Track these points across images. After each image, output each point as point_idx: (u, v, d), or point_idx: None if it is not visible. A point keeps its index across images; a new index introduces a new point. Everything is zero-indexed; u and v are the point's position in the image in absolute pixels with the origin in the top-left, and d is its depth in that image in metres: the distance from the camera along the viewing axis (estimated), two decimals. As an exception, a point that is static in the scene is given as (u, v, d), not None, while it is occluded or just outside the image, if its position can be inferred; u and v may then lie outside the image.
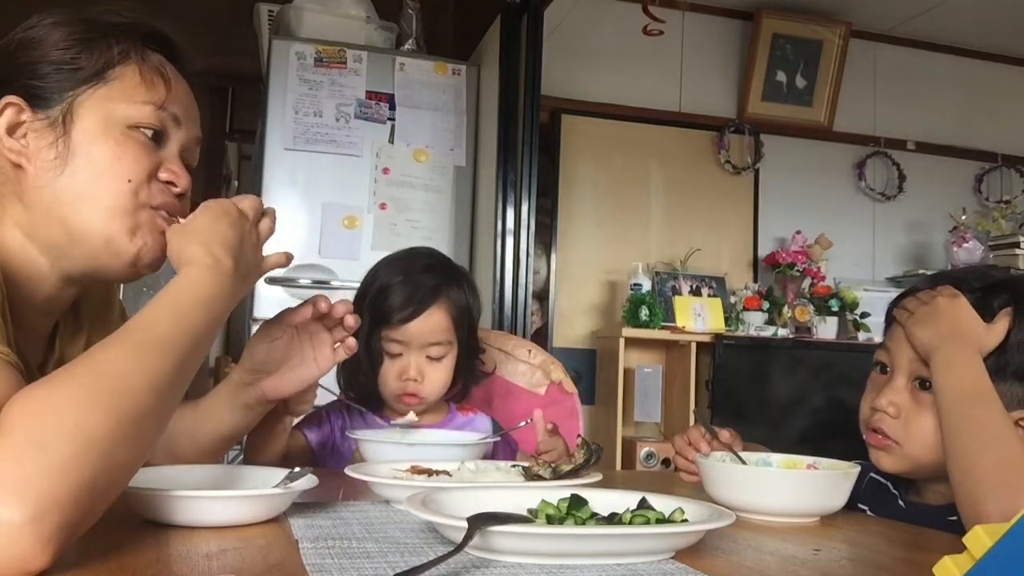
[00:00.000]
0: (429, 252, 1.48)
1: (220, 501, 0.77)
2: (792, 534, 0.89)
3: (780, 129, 3.98)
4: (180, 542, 0.71)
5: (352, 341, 1.10)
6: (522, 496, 0.81)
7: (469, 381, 1.44)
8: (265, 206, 0.99)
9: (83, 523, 0.63)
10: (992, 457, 0.92)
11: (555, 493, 0.81)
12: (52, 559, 0.60)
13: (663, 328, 3.39)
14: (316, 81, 3.03)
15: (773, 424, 3.39)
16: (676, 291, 3.55)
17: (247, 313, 2.98)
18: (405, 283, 1.35)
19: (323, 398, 1.29)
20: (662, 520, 0.76)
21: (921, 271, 3.82)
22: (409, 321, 1.33)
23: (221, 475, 0.92)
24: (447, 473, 1.01)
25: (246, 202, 0.95)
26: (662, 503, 0.80)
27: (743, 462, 1.07)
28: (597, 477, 1.01)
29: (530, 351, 1.65)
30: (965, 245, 3.76)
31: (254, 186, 3.39)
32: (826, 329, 3.57)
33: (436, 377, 1.36)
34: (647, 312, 3.36)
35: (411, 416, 1.32)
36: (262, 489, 0.83)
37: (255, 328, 2.88)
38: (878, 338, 1.19)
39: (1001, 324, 1.02)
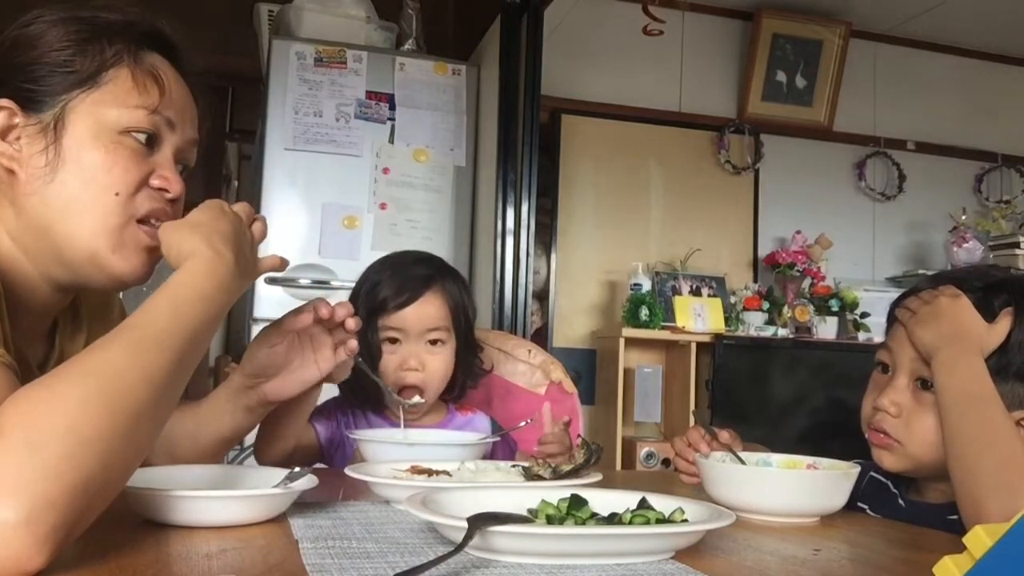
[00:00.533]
0: (420, 252, 1.49)
1: (220, 501, 0.77)
2: (792, 534, 0.89)
3: (780, 129, 3.98)
4: (180, 542, 0.71)
5: (353, 343, 1.10)
6: (522, 496, 0.81)
7: (468, 379, 1.44)
8: (260, 216, 0.98)
9: (79, 523, 0.63)
10: (993, 457, 0.92)
11: (555, 493, 0.81)
12: (48, 559, 0.60)
13: (663, 328, 3.39)
14: (316, 81, 3.03)
15: (773, 424, 3.39)
16: (676, 291, 3.55)
17: (247, 313, 2.98)
18: (396, 275, 1.35)
19: (329, 391, 1.29)
20: (662, 520, 0.76)
21: (921, 271, 3.82)
22: (405, 307, 1.33)
23: (221, 475, 0.92)
24: (447, 473, 1.01)
25: (237, 206, 0.94)
26: (662, 503, 0.80)
27: (743, 462, 1.07)
28: (597, 477, 1.01)
29: (530, 351, 1.65)
30: (965, 245, 3.76)
31: (254, 186, 3.39)
32: (826, 329, 3.57)
33: (436, 367, 1.35)
34: (647, 312, 3.36)
35: (416, 399, 1.32)
36: (262, 489, 0.83)
37: (255, 328, 2.90)
38: (878, 338, 1.19)
39: (1002, 324, 1.02)
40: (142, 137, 0.87)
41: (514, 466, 1.05)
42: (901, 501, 1.13)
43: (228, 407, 1.08)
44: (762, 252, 3.86)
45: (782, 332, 3.51)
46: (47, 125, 0.84)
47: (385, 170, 3.06)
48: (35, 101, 0.85)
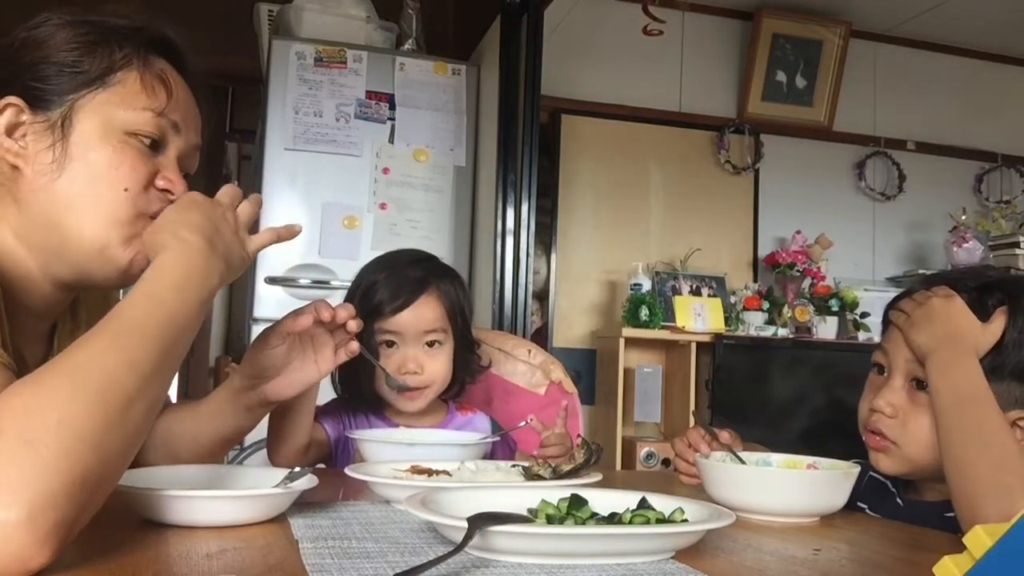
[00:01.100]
0: (415, 250, 1.48)
1: (220, 501, 0.77)
2: (792, 534, 0.89)
3: (780, 129, 3.98)
4: (180, 542, 0.71)
5: (355, 344, 1.09)
6: (522, 496, 0.81)
7: (466, 377, 1.43)
8: (252, 196, 0.96)
9: (80, 518, 0.63)
10: (989, 459, 0.92)
11: (555, 493, 0.81)
12: (51, 556, 0.60)
13: (663, 328, 3.39)
14: (316, 81, 3.03)
15: (773, 424, 3.39)
16: (676, 291, 3.55)
17: (247, 313, 2.98)
18: (392, 276, 1.35)
19: (327, 392, 1.29)
20: (662, 520, 0.77)
21: (921, 271, 3.82)
22: (401, 310, 1.32)
23: (221, 475, 0.92)
24: (447, 473, 1.01)
25: (221, 191, 0.93)
26: (662, 503, 0.80)
27: (743, 462, 1.07)
28: (597, 477, 1.01)
29: (530, 351, 1.65)
30: (965, 245, 3.76)
31: (254, 186, 3.39)
32: (826, 329, 3.57)
33: (435, 369, 1.35)
34: (647, 312, 3.36)
35: (411, 382, 1.32)
36: (262, 489, 0.83)
37: (255, 328, 2.91)
38: (878, 338, 1.19)
39: (997, 324, 1.02)
40: (148, 139, 0.88)
41: (514, 466, 1.05)
42: (899, 500, 1.14)
43: (228, 407, 1.08)
44: (762, 252, 3.86)
45: (782, 332, 3.51)
46: (55, 123, 0.85)
47: (385, 170, 3.06)
48: (42, 100, 0.85)
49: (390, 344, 1.34)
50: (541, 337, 3.47)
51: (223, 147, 5.53)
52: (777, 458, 1.10)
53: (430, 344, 1.35)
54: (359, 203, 3.02)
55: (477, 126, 3.20)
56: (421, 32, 3.31)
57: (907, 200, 4.12)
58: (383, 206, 3.05)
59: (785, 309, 3.55)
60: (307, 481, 0.84)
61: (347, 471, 0.94)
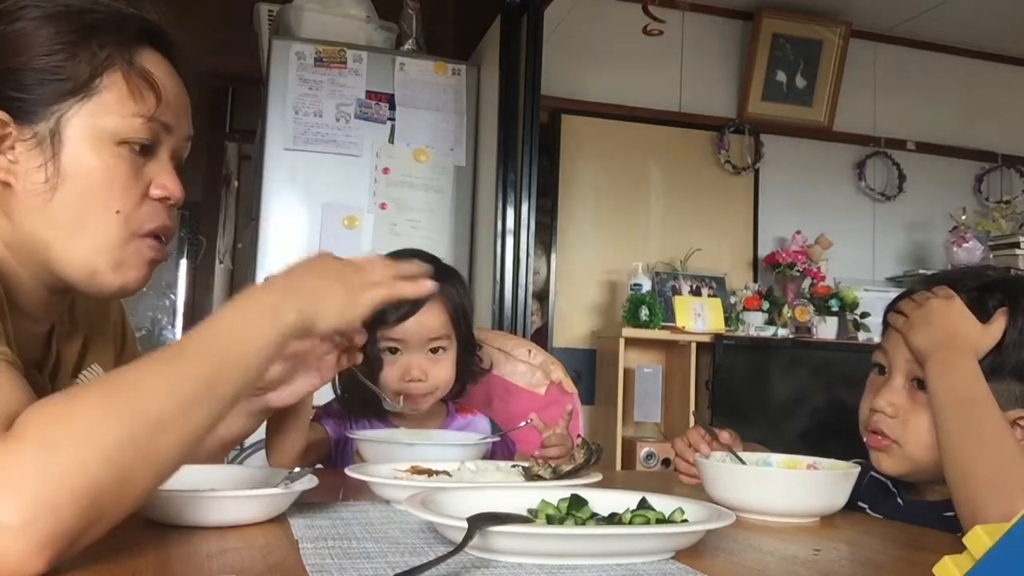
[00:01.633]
0: (415, 252, 1.47)
1: (220, 501, 0.77)
2: (792, 534, 0.89)
3: (780, 129, 3.98)
4: (180, 542, 0.71)
5: (359, 355, 1.09)
6: (522, 496, 0.81)
7: (467, 379, 1.43)
8: (400, 277, 0.95)
9: (84, 534, 0.61)
10: (989, 459, 0.93)
11: (555, 493, 0.81)
12: (46, 567, 0.59)
13: (663, 328, 3.39)
14: (316, 81, 3.03)
15: (773, 424, 3.39)
16: (676, 291, 3.55)
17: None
18: None
19: (326, 392, 1.29)
20: (662, 520, 0.77)
21: (921, 271, 3.82)
22: (406, 319, 1.32)
23: (221, 475, 0.92)
24: (447, 473, 1.01)
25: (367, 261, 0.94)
26: (662, 503, 0.80)
27: (743, 462, 1.07)
28: (597, 477, 1.01)
29: (530, 351, 1.65)
30: (965, 245, 3.76)
31: (254, 186, 3.39)
32: (826, 329, 3.57)
33: (439, 374, 1.35)
34: (647, 312, 3.35)
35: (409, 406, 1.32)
36: (262, 489, 0.83)
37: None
38: (878, 338, 1.20)
39: (997, 324, 1.02)
40: (138, 146, 0.85)
41: (514, 466, 1.05)
42: (900, 500, 1.14)
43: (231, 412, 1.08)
44: (762, 252, 3.86)
45: (782, 332, 3.51)
46: (43, 138, 0.81)
47: (385, 170, 3.06)
48: (26, 111, 0.81)
49: (393, 351, 1.34)
50: (541, 337, 3.47)
51: (223, 147, 5.54)
52: (777, 458, 1.10)
53: (434, 350, 1.34)
54: (359, 203, 3.02)
55: (477, 126, 3.20)
56: (421, 32, 3.31)
57: (907, 200, 4.11)
58: (383, 206, 3.05)
59: (785, 309, 3.55)
60: (307, 481, 0.84)
61: (347, 471, 0.94)
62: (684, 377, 3.39)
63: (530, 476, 0.99)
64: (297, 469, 0.89)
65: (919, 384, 1.07)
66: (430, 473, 1.00)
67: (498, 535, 0.66)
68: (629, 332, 3.35)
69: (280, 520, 0.80)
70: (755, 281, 3.74)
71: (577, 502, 0.79)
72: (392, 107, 3.09)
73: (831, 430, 3.17)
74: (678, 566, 0.69)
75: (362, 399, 1.36)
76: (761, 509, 0.96)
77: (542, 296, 3.60)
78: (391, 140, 3.08)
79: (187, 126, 0.91)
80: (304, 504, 0.86)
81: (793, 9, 3.89)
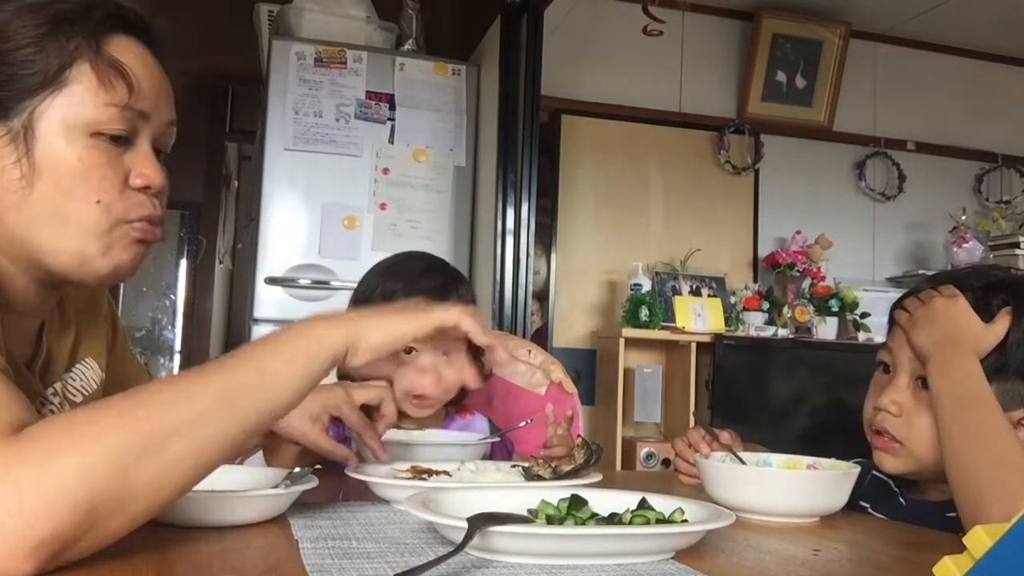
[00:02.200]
0: (422, 255, 1.47)
1: (220, 501, 0.77)
2: (792, 534, 0.89)
3: (780, 129, 3.98)
4: (180, 542, 0.71)
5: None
6: (522, 496, 0.81)
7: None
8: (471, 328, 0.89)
9: (80, 541, 0.60)
10: (989, 458, 0.93)
11: (555, 493, 0.81)
12: (36, 569, 0.58)
13: (663, 328, 3.39)
14: (316, 81, 3.03)
15: (773, 424, 3.39)
16: (676, 291, 3.55)
17: (248, 313, 2.98)
18: (411, 286, 1.33)
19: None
20: (662, 520, 0.77)
21: (921, 271, 3.82)
22: None
23: (221, 475, 0.92)
24: (447, 473, 1.01)
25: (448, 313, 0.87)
26: (662, 503, 0.80)
27: (743, 463, 1.07)
28: (597, 477, 1.01)
29: (530, 351, 1.65)
30: (965, 245, 3.76)
31: (254, 186, 3.39)
32: (826, 329, 3.57)
33: (451, 378, 1.34)
34: (647, 312, 3.36)
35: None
36: (262, 489, 0.83)
37: (256, 328, 2.90)
38: (878, 338, 1.20)
39: (1000, 324, 1.02)
40: (114, 136, 0.83)
41: (514, 466, 1.05)
42: (902, 500, 1.14)
43: None
44: (762, 252, 3.86)
45: (782, 332, 3.51)
46: (17, 134, 0.80)
47: (385, 170, 3.06)
48: (1, 108, 0.80)
49: (408, 351, 1.33)
50: (541, 337, 3.47)
51: (223, 147, 5.54)
52: (777, 458, 1.10)
53: (446, 352, 1.34)
54: (359, 203, 3.02)
55: (477, 126, 3.20)
56: (421, 32, 3.31)
57: (907, 200, 4.11)
58: (383, 206, 3.05)
59: (785, 309, 3.55)
60: (307, 481, 0.84)
61: (347, 471, 0.94)
62: (684, 377, 3.39)
63: (530, 476, 0.99)
64: (297, 469, 0.89)
65: (923, 383, 1.06)
66: (430, 473, 1.00)
67: (498, 535, 0.66)
68: (629, 332, 3.35)
69: (280, 520, 0.80)
70: (755, 281, 3.74)
71: (577, 502, 0.79)
72: (392, 107, 3.09)
73: (831, 430, 3.17)
74: (678, 566, 0.68)
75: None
76: (761, 509, 0.96)
77: (542, 296, 3.60)
78: (391, 140, 3.08)
79: (167, 111, 0.89)
80: (304, 504, 0.86)
81: (793, 9, 3.89)
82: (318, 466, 1.33)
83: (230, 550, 0.69)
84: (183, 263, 6.25)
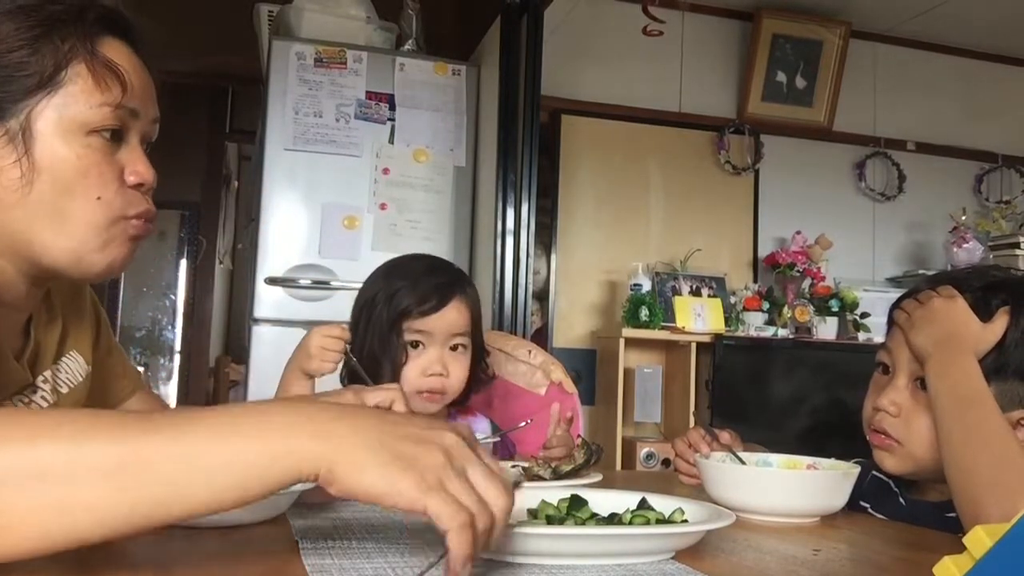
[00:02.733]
0: (426, 255, 1.48)
1: (220, 501, 0.77)
2: (792, 534, 0.89)
3: (780, 129, 3.98)
4: (180, 542, 0.71)
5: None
6: (522, 496, 0.81)
7: (474, 387, 1.43)
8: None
9: None
10: (988, 458, 0.93)
11: (555, 493, 0.81)
12: None
13: (663, 328, 3.39)
14: (316, 81, 3.03)
15: (773, 424, 3.39)
16: (676, 291, 3.55)
17: (247, 313, 2.98)
18: (418, 283, 1.33)
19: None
20: (662, 520, 0.77)
21: (921, 271, 3.82)
22: (433, 312, 1.31)
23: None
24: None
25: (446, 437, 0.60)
26: (662, 503, 0.80)
27: (743, 463, 1.07)
28: (597, 477, 1.02)
29: (530, 351, 1.65)
30: (965, 245, 3.76)
31: (254, 186, 3.39)
32: (826, 329, 3.57)
33: (458, 374, 1.35)
34: (647, 312, 3.36)
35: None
36: (262, 489, 0.83)
37: (256, 328, 2.90)
38: (878, 338, 1.20)
39: (998, 323, 1.02)
40: (108, 134, 0.86)
41: (514, 466, 1.05)
42: (902, 500, 1.14)
43: None
44: (762, 252, 3.86)
45: (782, 332, 3.51)
46: (15, 134, 0.82)
47: (385, 170, 3.06)
48: None
49: (415, 345, 1.33)
50: (541, 337, 3.47)
51: (223, 147, 5.54)
52: (777, 458, 1.10)
53: (454, 348, 1.35)
54: (359, 203, 3.02)
55: (477, 126, 3.20)
56: (421, 32, 3.31)
57: (907, 200, 4.11)
58: (383, 206, 3.05)
59: (785, 309, 3.55)
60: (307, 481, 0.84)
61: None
62: (684, 377, 3.39)
63: (530, 476, 0.99)
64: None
65: (922, 384, 1.07)
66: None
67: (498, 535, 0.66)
68: (629, 332, 3.35)
69: (280, 520, 0.80)
70: (755, 281, 3.74)
71: (577, 502, 0.79)
72: (392, 107, 3.09)
73: (831, 430, 3.17)
74: (678, 566, 0.69)
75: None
76: (761, 509, 0.96)
77: (542, 296, 3.60)
78: (391, 140, 3.08)
79: (153, 109, 0.92)
80: (304, 504, 0.86)
81: (793, 9, 3.89)
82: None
83: (230, 550, 0.69)
84: (183, 263, 6.25)
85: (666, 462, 3.21)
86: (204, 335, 5.62)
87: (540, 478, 0.98)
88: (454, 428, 0.61)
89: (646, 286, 3.45)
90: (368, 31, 3.23)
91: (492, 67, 3.11)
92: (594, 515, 0.78)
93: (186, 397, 5.66)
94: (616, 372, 3.35)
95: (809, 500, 0.98)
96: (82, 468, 0.52)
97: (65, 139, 0.84)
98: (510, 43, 3.02)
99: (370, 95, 3.08)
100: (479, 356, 1.41)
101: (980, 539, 0.45)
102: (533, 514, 0.78)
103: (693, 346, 3.38)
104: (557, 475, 0.99)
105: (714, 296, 3.60)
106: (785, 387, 3.47)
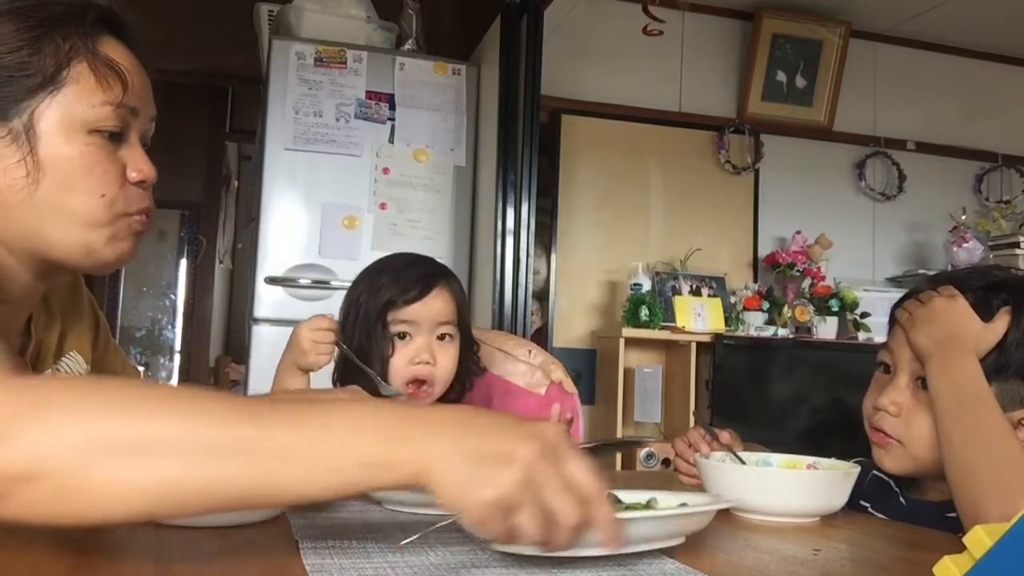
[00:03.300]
0: (406, 253, 1.48)
1: (220, 501, 0.77)
2: (792, 534, 0.89)
3: (780, 129, 3.98)
4: (180, 542, 0.71)
5: None
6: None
7: (466, 379, 1.43)
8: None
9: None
10: (989, 458, 0.93)
11: None
12: None
13: (663, 328, 3.39)
14: (316, 81, 3.03)
15: (773, 424, 3.39)
16: (676, 291, 3.55)
17: (247, 313, 2.98)
18: (400, 275, 1.34)
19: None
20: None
21: (921, 271, 3.82)
22: (416, 301, 1.32)
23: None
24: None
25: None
26: (667, 499, 0.80)
27: (743, 462, 1.07)
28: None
29: (530, 351, 1.65)
30: (965, 245, 3.76)
31: (254, 186, 3.39)
32: (826, 329, 3.57)
33: (446, 363, 1.35)
34: (647, 312, 3.36)
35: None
36: (262, 489, 0.82)
37: (255, 328, 2.90)
38: (878, 338, 1.20)
39: (999, 323, 1.02)
40: (110, 132, 0.87)
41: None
42: (902, 499, 1.14)
43: None
44: (762, 252, 3.86)
45: (782, 332, 3.51)
46: (18, 133, 0.83)
47: (385, 170, 3.06)
48: None
49: (402, 336, 1.34)
50: (541, 337, 3.47)
51: (223, 147, 5.54)
52: (777, 458, 1.10)
53: (441, 337, 1.35)
54: (359, 203, 3.02)
55: (477, 126, 3.20)
56: (421, 32, 3.31)
57: (907, 200, 4.11)
58: (383, 206, 3.05)
59: (785, 309, 3.55)
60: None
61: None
62: (684, 377, 3.39)
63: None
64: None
65: (923, 384, 1.07)
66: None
67: None
68: (629, 332, 3.35)
69: (280, 520, 0.80)
70: (755, 281, 3.74)
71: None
72: (392, 107, 3.09)
73: (831, 430, 3.17)
74: (678, 566, 0.69)
75: (359, 386, 1.36)
76: (761, 509, 0.96)
77: (542, 296, 3.60)
78: (391, 140, 3.08)
79: (151, 107, 0.94)
80: (304, 504, 0.86)
81: (793, 9, 3.89)
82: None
83: (230, 550, 0.69)
84: (183, 263, 6.25)
85: (666, 462, 3.21)
86: (204, 335, 5.62)
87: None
88: (548, 424, 0.61)
89: (646, 286, 3.45)
90: (368, 31, 3.23)
91: (492, 67, 3.11)
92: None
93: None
94: (616, 372, 3.35)
95: (809, 500, 0.98)
96: (196, 446, 0.55)
97: (68, 138, 0.85)
98: (510, 43, 3.02)
99: (370, 95, 3.08)
100: (468, 348, 1.41)
101: (980, 539, 0.45)
102: None
103: (693, 346, 3.37)
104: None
105: (714, 296, 3.60)
106: (785, 387, 3.47)
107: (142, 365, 6.17)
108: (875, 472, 1.17)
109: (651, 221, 3.80)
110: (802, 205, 3.97)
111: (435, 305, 1.33)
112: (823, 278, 3.67)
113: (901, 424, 1.08)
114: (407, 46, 3.26)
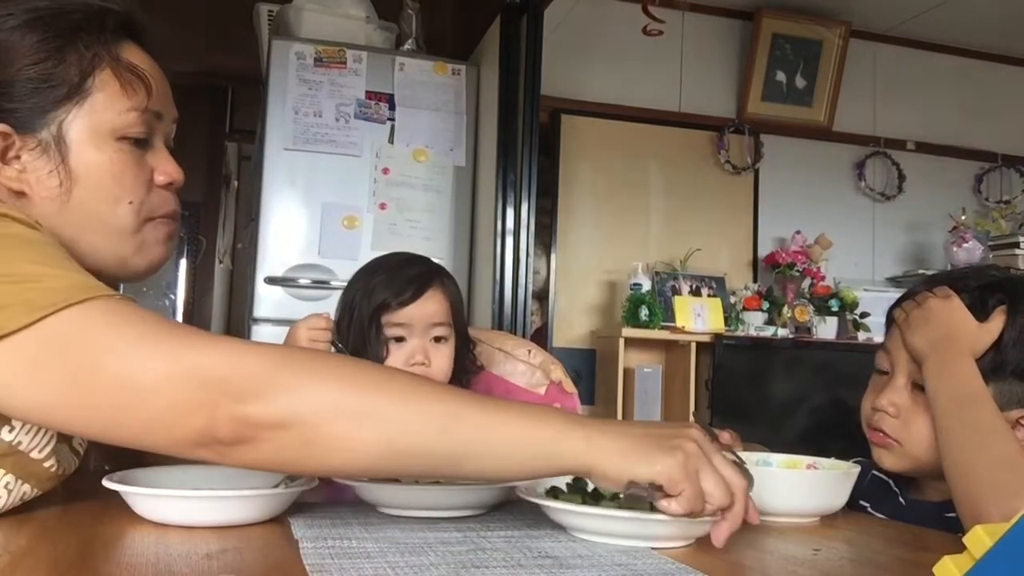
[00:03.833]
0: (401, 252, 1.48)
1: (220, 501, 0.77)
2: (792, 534, 0.89)
3: (780, 129, 3.98)
4: (180, 542, 0.71)
5: None
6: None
7: (463, 378, 1.43)
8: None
9: (244, 444, 0.68)
10: (987, 458, 0.93)
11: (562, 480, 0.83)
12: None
13: (663, 328, 3.39)
14: (316, 81, 3.03)
15: (773, 424, 3.39)
16: (676, 291, 3.55)
17: (247, 313, 2.98)
18: (393, 275, 1.34)
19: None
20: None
21: (921, 271, 3.82)
22: (410, 303, 1.31)
23: (221, 475, 0.92)
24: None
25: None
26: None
27: (743, 462, 1.07)
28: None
29: (530, 351, 1.65)
30: (965, 245, 3.76)
31: (254, 186, 3.39)
32: (826, 329, 3.57)
33: (441, 363, 1.35)
34: (647, 312, 3.36)
35: None
36: (262, 489, 0.83)
37: (255, 328, 2.90)
38: (878, 338, 1.20)
39: (995, 323, 1.02)
40: (137, 138, 0.88)
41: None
42: (902, 499, 1.14)
43: None
44: (762, 252, 3.86)
45: (782, 332, 3.51)
46: (47, 144, 0.83)
47: (385, 170, 3.06)
48: (25, 121, 0.83)
49: (398, 339, 1.33)
50: (541, 337, 3.47)
51: (223, 147, 5.54)
52: (777, 458, 1.10)
53: (436, 339, 1.35)
54: (359, 203, 3.02)
55: (477, 126, 3.20)
56: (421, 32, 3.31)
57: (907, 200, 4.12)
58: (383, 206, 3.05)
59: (785, 309, 3.55)
60: (307, 481, 0.84)
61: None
62: (684, 377, 3.39)
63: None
64: (297, 469, 0.88)
65: (921, 385, 1.07)
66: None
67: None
68: (629, 332, 3.35)
69: (280, 520, 0.80)
70: (755, 281, 3.74)
71: (581, 486, 0.82)
72: (392, 107, 3.09)
73: (831, 430, 3.17)
74: (678, 566, 0.68)
75: None
76: (761, 509, 0.96)
77: (542, 296, 3.60)
78: (391, 140, 3.08)
79: (173, 109, 0.94)
80: (304, 504, 0.86)
81: (793, 9, 3.90)
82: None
83: (230, 550, 0.69)
84: (183, 263, 6.24)
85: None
86: (203, 335, 5.60)
87: (540, 478, 0.98)
88: (694, 426, 0.74)
89: (646, 286, 3.45)
90: (368, 31, 3.23)
91: (492, 67, 3.11)
92: (616, 495, 0.80)
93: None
94: (616, 372, 3.35)
95: (809, 500, 0.98)
96: (410, 416, 0.68)
97: (97, 146, 0.85)
98: (510, 43, 3.01)
99: (370, 95, 3.08)
100: (464, 347, 1.41)
101: (980, 539, 0.45)
102: (553, 494, 0.81)
103: (693, 346, 3.38)
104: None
105: (714, 296, 3.60)
106: (785, 387, 3.47)
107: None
108: (875, 472, 1.17)
109: (651, 221, 3.80)
110: (802, 205, 3.97)
111: (429, 307, 1.33)
112: (823, 278, 3.67)
113: (900, 425, 1.08)
114: (407, 46, 3.26)
